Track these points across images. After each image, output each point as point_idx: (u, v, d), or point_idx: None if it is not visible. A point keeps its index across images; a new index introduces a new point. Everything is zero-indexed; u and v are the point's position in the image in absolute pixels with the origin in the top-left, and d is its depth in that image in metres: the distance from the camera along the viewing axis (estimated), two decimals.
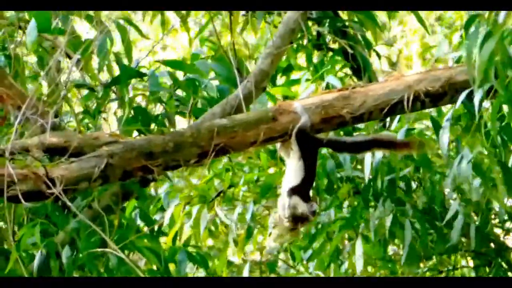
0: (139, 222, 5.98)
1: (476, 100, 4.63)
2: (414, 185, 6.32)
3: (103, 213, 5.21)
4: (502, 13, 4.36)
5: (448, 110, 5.54)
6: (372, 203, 6.22)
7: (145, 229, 5.89)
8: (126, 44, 5.49)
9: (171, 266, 5.73)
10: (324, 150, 6.05)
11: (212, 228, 6.88)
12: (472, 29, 4.50)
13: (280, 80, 6.68)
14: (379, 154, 5.96)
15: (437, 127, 5.46)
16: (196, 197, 6.67)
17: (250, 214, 6.57)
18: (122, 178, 4.81)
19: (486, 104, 4.88)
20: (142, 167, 4.76)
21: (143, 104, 5.88)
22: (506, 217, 6.44)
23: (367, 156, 5.95)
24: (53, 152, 4.93)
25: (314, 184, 5.82)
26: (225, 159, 6.66)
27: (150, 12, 6.01)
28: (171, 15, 6.53)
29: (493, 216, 6.52)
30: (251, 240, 7.04)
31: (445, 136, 5.33)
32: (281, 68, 6.66)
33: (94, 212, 5.51)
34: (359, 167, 6.26)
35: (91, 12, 5.42)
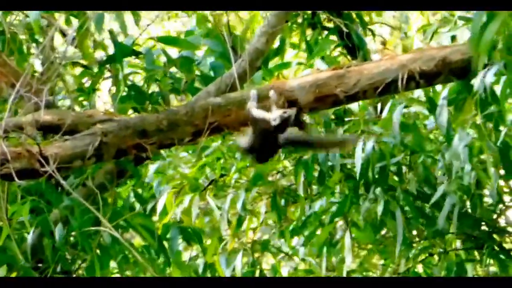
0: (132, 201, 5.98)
1: (487, 80, 4.59)
2: (405, 169, 6.28)
3: (97, 191, 5.20)
4: None
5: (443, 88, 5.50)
6: (363, 191, 6.19)
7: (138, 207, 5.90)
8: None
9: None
10: None
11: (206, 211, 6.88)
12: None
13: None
14: (370, 143, 5.93)
15: (433, 106, 5.41)
16: (188, 185, 6.65)
17: (241, 203, 6.54)
18: (116, 156, 4.82)
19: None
20: (136, 145, 4.77)
21: (138, 82, 5.86)
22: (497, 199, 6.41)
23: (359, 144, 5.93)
24: (47, 130, 4.92)
25: (304, 177, 5.93)
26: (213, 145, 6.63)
27: None
28: None
29: (486, 199, 6.49)
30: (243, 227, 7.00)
31: (444, 115, 5.29)
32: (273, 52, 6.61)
33: (88, 190, 5.50)
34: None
35: None
